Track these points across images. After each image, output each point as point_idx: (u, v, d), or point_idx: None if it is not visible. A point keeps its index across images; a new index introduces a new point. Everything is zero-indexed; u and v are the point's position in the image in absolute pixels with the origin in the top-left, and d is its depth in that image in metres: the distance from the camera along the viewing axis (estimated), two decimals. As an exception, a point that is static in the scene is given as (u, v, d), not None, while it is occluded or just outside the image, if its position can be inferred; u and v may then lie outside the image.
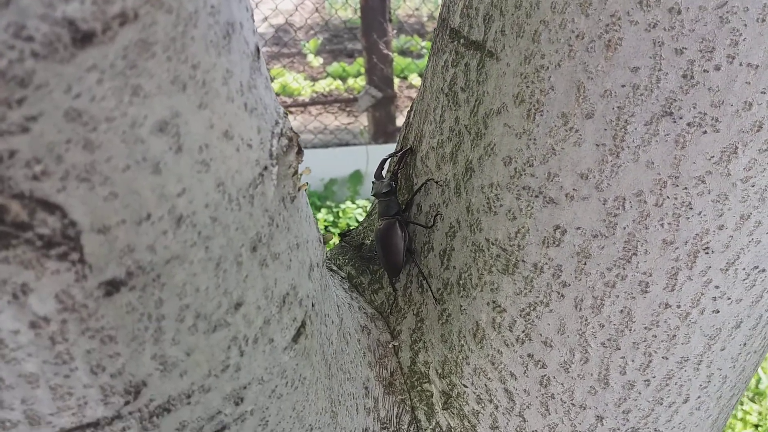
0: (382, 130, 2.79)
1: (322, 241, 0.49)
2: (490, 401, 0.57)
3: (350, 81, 3.73)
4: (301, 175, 0.42)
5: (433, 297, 0.60)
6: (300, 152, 0.40)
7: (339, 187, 2.78)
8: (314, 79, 3.80)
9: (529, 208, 0.50)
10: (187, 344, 0.35)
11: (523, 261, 0.51)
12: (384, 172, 0.66)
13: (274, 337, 0.40)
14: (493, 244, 0.53)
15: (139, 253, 0.30)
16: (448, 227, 0.57)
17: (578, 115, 0.46)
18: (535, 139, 0.48)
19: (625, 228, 0.47)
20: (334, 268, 0.69)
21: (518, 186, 0.50)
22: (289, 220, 0.41)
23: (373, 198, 0.64)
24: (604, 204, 0.47)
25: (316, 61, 4.00)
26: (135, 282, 0.31)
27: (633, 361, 0.52)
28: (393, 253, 0.60)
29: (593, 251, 0.49)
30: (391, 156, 0.65)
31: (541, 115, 0.47)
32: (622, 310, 0.50)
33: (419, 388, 0.61)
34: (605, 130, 0.45)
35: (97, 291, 0.30)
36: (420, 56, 4.05)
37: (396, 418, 0.58)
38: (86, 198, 0.28)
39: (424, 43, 4.14)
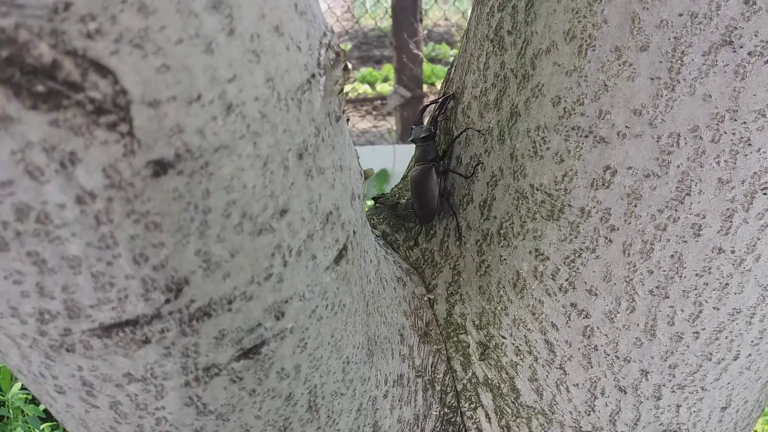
0: (409, 130, 2.79)
1: (363, 175, 0.48)
2: (530, 353, 0.56)
3: (378, 86, 3.74)
4: (346, 94, 0.41)
5: (459, 230, 0.59)
6: (347, 69, 0.39)
7: (365, 186, 2.77)
8: (343, 83, 3.81)
9: (577, 150, 0.48)
10: (231, 243, 0.34)
11: (569, 205, 0.50)
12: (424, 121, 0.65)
13: (317, 254, 0.39)
14: (537, 189, 0.52)
15: (189, 135, 0.30)
16: (489, 176, 0.56)
17: (632, 48, 0.44)
18: (586, 76, 0.47)
19: (679, 166, 0.45)
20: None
21: (567, 126, 0.48)
22: (334, 139, 0.40)
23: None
24: (657, 141, 0.45)
25: (346, 66, 4.01)
26: (183, 166, 0.30)
27: (682, 310, 0.50)
28: (427, 198, 0.59)
29: (644, 192, 0.47)
30: (431, 103, 0.64)
31: (593, 50, 0.46)
32: (672, 255, 0.48)
33: (455, 338, 0.60)
34: (660, 62, 0.44)
35: (144, 170, 0.29)
36: (448, 64, 4.04)
37: (431, 367, 0.57)
38: (138, 66, 0.27)
39: (452, 52, 4.13)
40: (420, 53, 2.63)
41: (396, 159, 2.66)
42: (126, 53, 0.27)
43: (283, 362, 0.40)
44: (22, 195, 0.28)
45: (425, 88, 3.39)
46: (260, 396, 0.41)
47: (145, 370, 0.36)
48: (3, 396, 1.47)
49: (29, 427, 1.48)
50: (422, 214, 0.61)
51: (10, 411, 1.48)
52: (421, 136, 0.60)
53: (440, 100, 0.62)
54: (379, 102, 3.38)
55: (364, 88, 3.71)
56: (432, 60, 4.05)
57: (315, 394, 0.44)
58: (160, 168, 0.30)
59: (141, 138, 0.28)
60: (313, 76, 0.36)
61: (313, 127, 0.37)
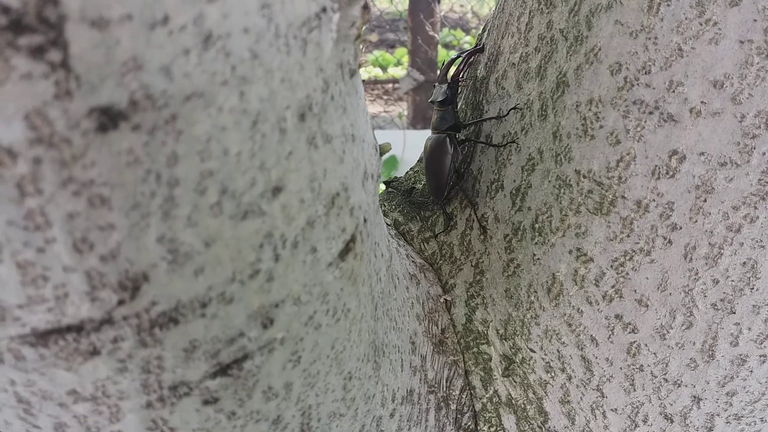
0: (421, 115, 2.69)
1: (378, 150, 0.39)
2: (562, 370, 0.48)
3: (391, 70, 3.64)
4: (362, 46, 0.33)
5: (478, 221, 0.51)
6: (367, 8, 0.31)
7: (380, 164, 2.68)
8: (353, 66, 3.72)
9: (638, 129, 0.40)
10: (207, 229, 0.26)
11: (623, 197, 0.42)
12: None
13: (318, 247, 0.31)
14: (584, 177, 0.43)
15: (149, 73, 0.21)
16: (525, 159, 0.48)
17: (720, 2, 0.36)
18: (656, 38, 0.38)
19: (764, 154, 0.37)
20: (379, 214, 0.60)
21: (627, 100, 0.40)
22: (346, 99, 0.32)
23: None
24: (740, 121, 0.37)
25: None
26: (141, 118, 0.22)
27: (750, 329, 0.42)
28: (436, 173, 0.52)
29: (718, 184, 0.39)
30: (458, 57, 0.55)
31: (668, 5, 0.37)
32: (745, 263, 0.40)
33: (475, 349, 0.51)
34: (755, 21, 0.35)
35: (86, 121, 0.21)
36: (463, 50, 3.94)
37: (446, 381, 0.49)
38: (76, -35, 0.19)
39: (467, 38, 4.03)
40: (436, 35, 2.53)
41: (406, 145, 2.57)
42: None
43: (271, 380, 0.32)
44: None
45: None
46: (241, 420, 0.33)
47: (95, 388, 0.28)
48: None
49: None
50: (431, 190, 0.54)
51: None
52: (438, 99, 0.52)
53: (466, 54, 0.53)
54: (391, 86, 3.28)
55: (376, 72, 3.61)
56: (446, 46, 3.94)
57: (309, 416, 0.36)
58: (109, 120, 0.21)
59: (81, 72, 0.20)
60: (324, 10, 0.27)
61: (320, 80, 0.28)
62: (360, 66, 0.34)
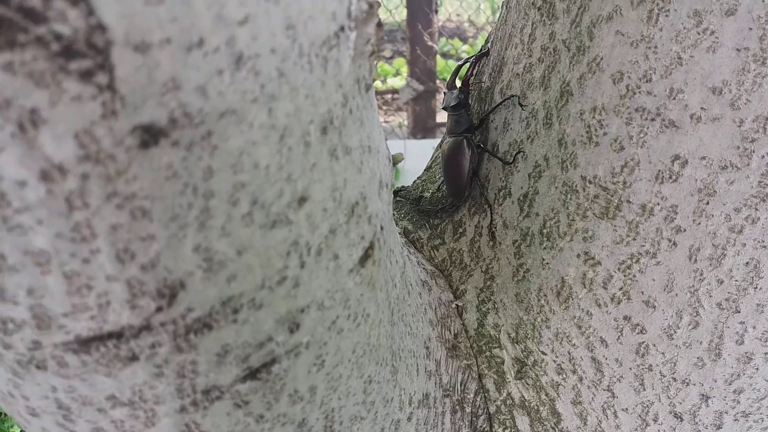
0: (421, 125, 2.71)
1: (391, 160, 0.41)
2: (574, 372, 0.49)
3: (389, 80, 3.66)
4: (376, 62, 0.34)
5: (489, 227, 0.52)
6: (380, 26, 0.33)
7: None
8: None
9: (641, 135, 0.42)
10: (239, 238, 0.27)
11: (628, 202, 0.43)
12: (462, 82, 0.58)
13: (340, 254, 0.33)
14: (590, 182, 0.45)
15: (187, 93, 0.23)
16: (532, 167, 0.49)
17: (716, 12, 0.37)
18: (656, 47, 0.40)
19: (763, 157, 0.39)
20: (389, 223, 0.62)
21: (630, 108, 0.42)
22: (363, 113, 0.33)
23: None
24: (739, 126, 0.39)
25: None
26: (179, 135, 0.23)
27: (754, 327, 0.43)
28: (456, 175, 0.54)
29: (719, 187, 0.40)
30: (465, 62, 0.57)
31: (667, 15, 0.39)
32: (748, 263, 0.41)
33: (488, 353, 0.53)
34: (750, 29, 0.37)
35: (129, 138, 0.22)
36: (460, 59, 3.96)
37: (461, 385, 0.50)
38: (122, -5, 0.20)
39: (465, 47, 4.06)
40: (434, 45, 2.56)
41: (406, 155, 2.59)
42: (105, -24, 0.20)
43: (297, 383, 0.34)
44: (-35, 167, 0.21)
45: (438, 82, 3.31)
46: (269, 423, 0.34)
47: (133, 393, 0.30)
48: None
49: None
50: (450, 192, 0.56)
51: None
52: (451, 104, 0.54)
53: (473, 59, 0.55)
54: (390, 96, 3.30)
55: (375, 83, 3.63)
56: (445, 55, 3.97)
57: (332, 419, 0.38)
58: (150, 137, 0.23)
59: (125, 94, 0.22)
60: (342, 29, 0.29)
61: (340, 95, 0.30)
62: (374, 80, 0.35)
